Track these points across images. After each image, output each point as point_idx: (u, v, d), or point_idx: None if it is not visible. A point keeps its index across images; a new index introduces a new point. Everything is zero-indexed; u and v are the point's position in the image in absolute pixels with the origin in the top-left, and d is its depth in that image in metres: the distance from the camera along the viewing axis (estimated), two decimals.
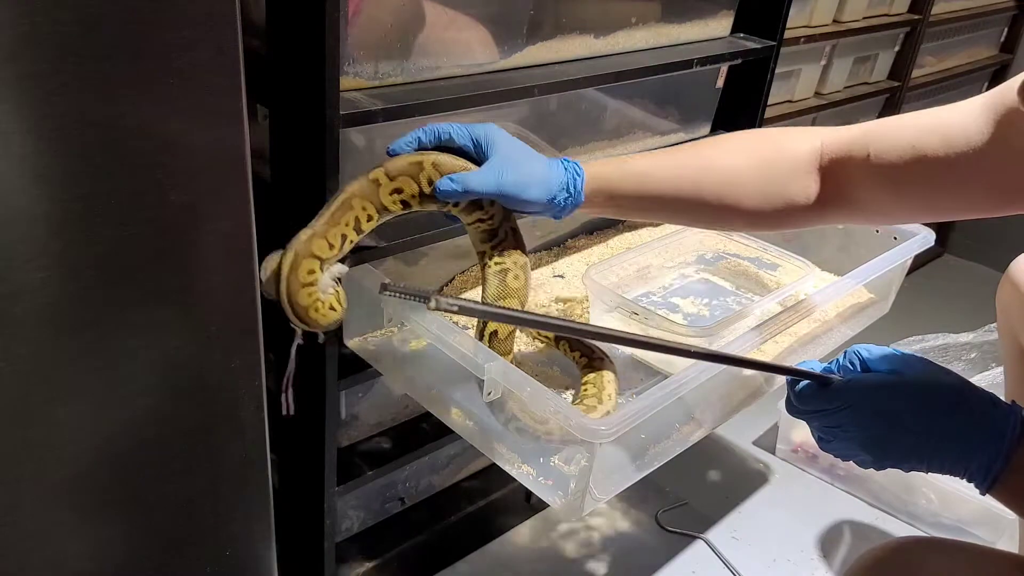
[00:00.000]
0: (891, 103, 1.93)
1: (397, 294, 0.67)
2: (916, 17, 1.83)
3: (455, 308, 0.67)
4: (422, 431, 1.11)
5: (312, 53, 0.79)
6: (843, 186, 0.84)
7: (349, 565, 1.13)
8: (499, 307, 0.74)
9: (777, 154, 0.86)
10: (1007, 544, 1.40)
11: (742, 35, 1.30)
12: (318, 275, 0.78)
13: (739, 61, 1.26)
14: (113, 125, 0.63)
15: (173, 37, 0.63)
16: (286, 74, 0.85)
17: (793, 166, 0.85)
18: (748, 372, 0.98)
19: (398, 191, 0.81)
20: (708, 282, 1.24)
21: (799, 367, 0.71)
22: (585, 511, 0.82)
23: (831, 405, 0.69)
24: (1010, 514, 1.35)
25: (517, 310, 0.79)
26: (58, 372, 0.67)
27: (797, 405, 0.71)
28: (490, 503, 1.26)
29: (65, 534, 0.74)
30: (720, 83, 1.34)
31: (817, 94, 1.73)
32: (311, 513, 1.04)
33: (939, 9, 1.90)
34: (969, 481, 0.67)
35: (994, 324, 1.63)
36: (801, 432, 1.55)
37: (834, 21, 1.64)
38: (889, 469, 0.68)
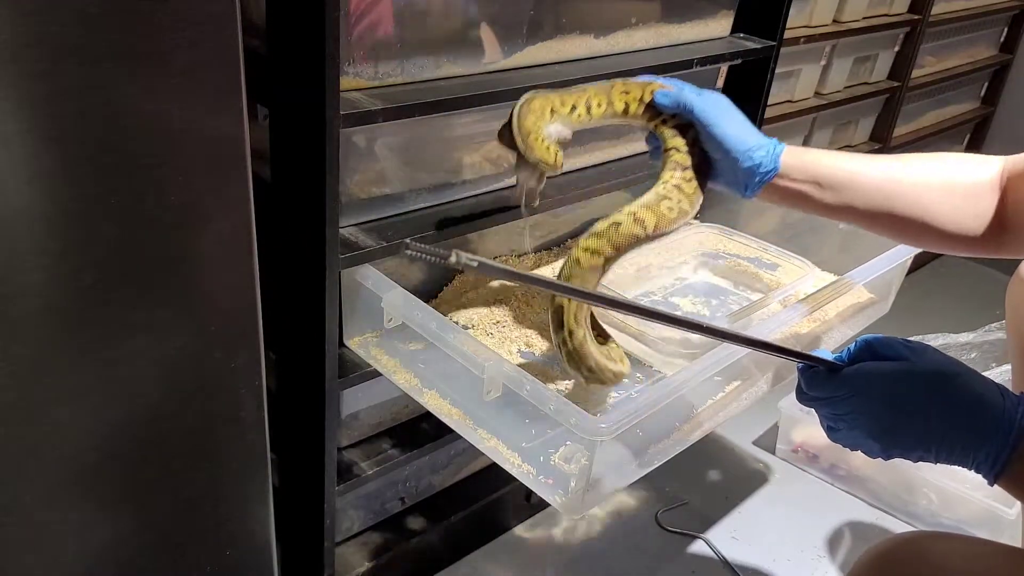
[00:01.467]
0: (891, 103, 1.93)
1: (419, 253, 0.68)
2: (916, 17, 1.84)
3: (475, 264, 0.68)
4: (422, 431, 1.11)
5: (312, 53, 0.79)
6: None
7: (349, 565, 1.13)
8: (520, 271, 0.73)
9: (962, 173, 0.86)
10: (1006, 543, 1.40)
11: (742, 35, 1.30)
12: (547, 119, 0.88)
13: (739, 61, 1.26)
14: (113, 125, 0.63)
15: (173, 37, 0.63)
16: (286, 74, 0.85)
17: (976, 185, 0.85)
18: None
19: (626, 92, 0.92)
20: (708, 282, 1.24)
21: (810, 352, 0.72)
22: (585, 510, 0.83)
23: (840, 392, 0.69)
24: (1011, 514, 1.35)
25: (538, 276, 0.78)
26: (58, 372, 0.67)
27: (806, 391, 0.72)
28: (490, 503, 1.26)
29: (65, 534, 0.74)
30: (720, 83, 1.34)
31: (817, 94, 1.73)
32: (311, 513, 1.04)
33: (939, 9, 1.90)
34: (976, 471, 0.67)
35: (994, 324, 1.64)
36: (801, 432, 1.55)
37: (834, 21, 1.64)
38: (895, 462, 0.68)
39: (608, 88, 0.91)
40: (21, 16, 0.56)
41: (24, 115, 0.58)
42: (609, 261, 0.87)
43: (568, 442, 0.82)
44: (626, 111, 0.92)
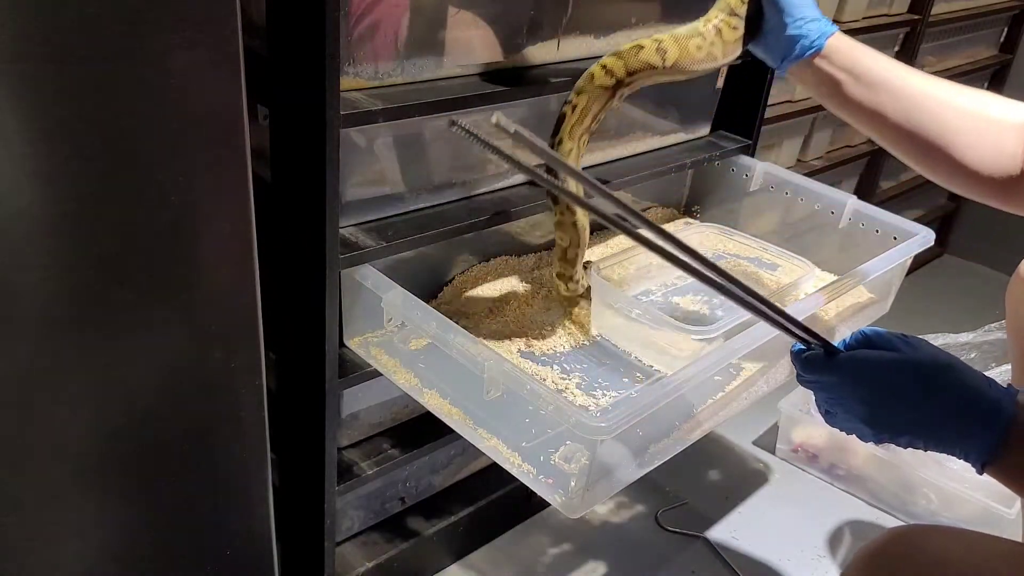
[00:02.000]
0: None
1: (463, 130, 0.69)
2: (916, 17, 1.84)
3: (512, 130, 0.69)
4: (422, 431, 1.11)
5: (312, 53, 0.79)
6: None
7: (349, 565, 1.13)
8: (550, 151, 0.74)
9: (1000, 110, 0.87)
10: None
11: None
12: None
13: (739, 61, 1.26)
14: (113, 125, 0.63)
15: (173, 37, 0.63)
16: (286, 74, 0.85)
17: (1010, 127, 0.85)
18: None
19: None
20: None
21: (813, 330, 0.73)
22: (585, 509, 0.83)
23: (833, 377, 0.70)
24: (1010, 514, 1.35)
25: (567, 164, 0.78)
26: (58, 372, 0.67)
27: (803, 373, 0.74)
28: (490, 503, 1.26)
29: (65, 534, 0.74)
30: (720, 83, 1.34)
31: None
32: (311, 513, 1.04)
33: (939, 9, 1.90)
34: (965, 459, 0.68)
35: (994, 324, 1.64)
36: (801, 432, 1.55)
37: (834, 21, 1.64)
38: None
39: None
40: (21, 16, 0.56)
41: (24, 115, 0.58)
42: (621, 85, 0.86)
43: (568, 442, 0.82)
44: None
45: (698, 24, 0.87)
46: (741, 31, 0.87)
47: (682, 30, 0.87)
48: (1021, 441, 0.66)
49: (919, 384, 0.68)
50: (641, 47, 0.85)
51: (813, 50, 0.88)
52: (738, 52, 0.88)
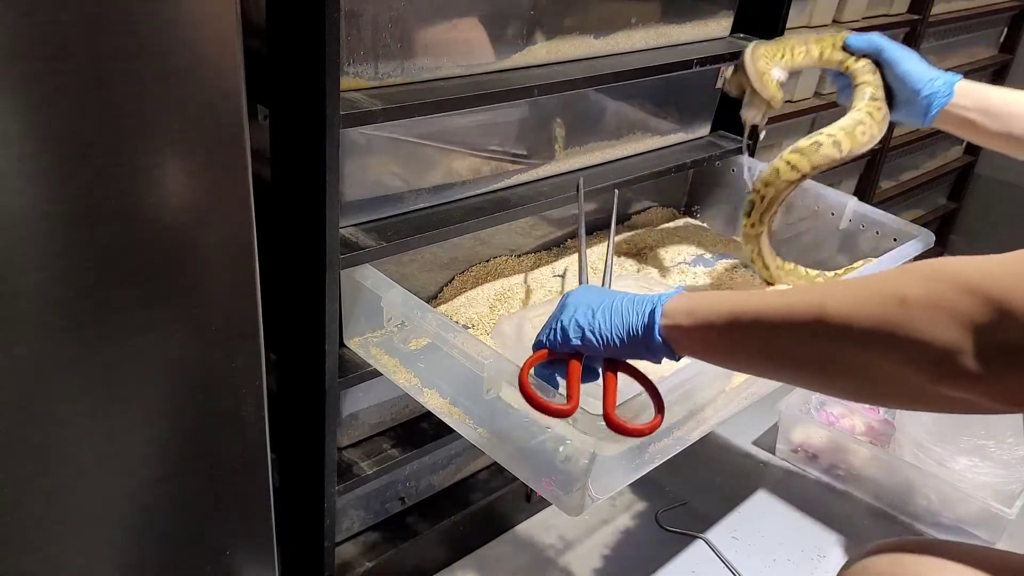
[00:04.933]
0: None
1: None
2: (916, 17, 1.84)
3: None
4: (422, 431, 1.11)
5: (312, 53, 0.79)
6: None
7: (349, 565, 1.13)
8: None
9: None
10: (1007, 544, 1.41)
11: (742, 35, 1.30)
12: (773, 63, 1.07)
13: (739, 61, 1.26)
14: (113, 125, 0.63)
15: (173, 38, 0.63)
16: (286, 74, 0.85)
17: None
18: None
19: (821, 40, 1.09)
20: (707, 283, 1.24)
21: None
22: (585, 510, 0.83)
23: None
24: (1010, 514, 1.35)
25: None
26: (58, 372, 0.67)
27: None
28: (490, 503, 1.26)
29: (65, 534, 0.74)
30: (720, 83, 1.34)
31: (817, 94, 1.73)
32: (311, 513, 1.04)
33: (939, 9, 1.90)
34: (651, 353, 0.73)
35: None
36: (801, 432, 1.55)
37: (834, 21, 1.64)
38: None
39: (807, 39, 1.10)
40: (21, 16, 0.56)
41: (24, 115, 0.58)
42: (804, 177, 1.03)
43: (568, 441, 0.82)
44: (821, 55, 1.09)
45: (854, 114, 1.02)
46: (886, 109, 1.04)
47: (845, 122, 1.02)
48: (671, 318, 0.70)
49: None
50: (819, 143, 1.01)
51: (947, 99, 1.02)
52: (887, 123, 1.05)
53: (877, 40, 1.05)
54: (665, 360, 0.74)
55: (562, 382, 0.77)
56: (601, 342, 0.74)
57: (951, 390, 0.54)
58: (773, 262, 1.12)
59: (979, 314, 0.52)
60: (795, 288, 0.63)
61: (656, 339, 0.71)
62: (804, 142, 1.02)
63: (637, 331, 0.72)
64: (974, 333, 0.52)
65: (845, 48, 1.07)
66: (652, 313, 0.71)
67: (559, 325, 0.76)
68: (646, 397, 0.76)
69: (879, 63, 1.05)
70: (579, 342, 0.74)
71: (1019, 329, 0.51)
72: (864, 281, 0.59)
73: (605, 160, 1.21)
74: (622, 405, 0.74)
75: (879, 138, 1.04)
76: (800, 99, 1.67)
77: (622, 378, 0.77)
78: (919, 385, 0.56)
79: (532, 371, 0.76)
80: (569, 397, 0.74)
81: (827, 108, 1.71)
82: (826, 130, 1.03)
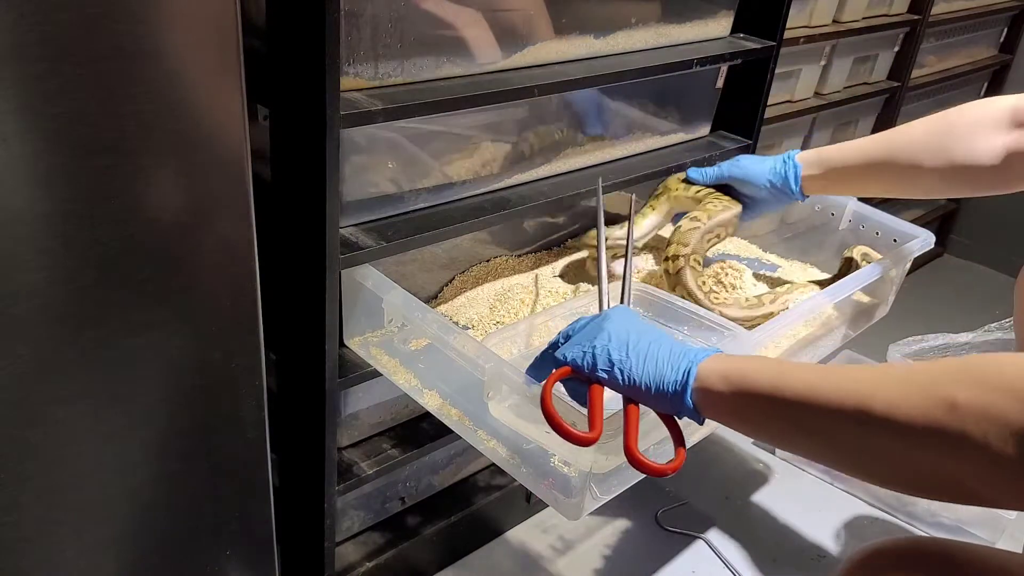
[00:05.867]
0: (891, 103, 1.93)
1: None
2: (916, 17, 1.83)
3: None
4: (422, 431, 1.11)
5: (312, 53, 0.79)
6: None
7: (349, 565, 1.13)
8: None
9: (959, 114, 0.95)
10: (1007, 544, 1.40)
11: (742, 35, 1.30)
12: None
13: (739, 61, 1.26)
14: (113, 125, 0.63)
15: (173, 37, 0.63)
16: (286, 74, 0.85)
17: (975, 120, 0.93)
18: None
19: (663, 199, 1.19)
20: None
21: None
22: (585, 511, 0.82)
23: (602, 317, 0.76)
24: (1010, 514, 1.35)
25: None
26: (58, 372, 0.67)
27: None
28: (490, 503, 1.26)
29: (65, 534, 0.74)
30: (720, 83, 1.34)
31: (817, 94, 1.73)
32: (311, 513, 1.04)
33: (939, 9, 1.90)
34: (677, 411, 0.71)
35: (994, 324, 1.64)
36: None
37: (834, 21, 1.64)
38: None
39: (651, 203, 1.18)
40: (21, 16, 0.56)
41: (24, 115, 0.58)
42: (694, 252, 1.06)
43: (554, 458, 0.82)
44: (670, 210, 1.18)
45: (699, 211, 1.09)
46: (733, 209, 1.11)
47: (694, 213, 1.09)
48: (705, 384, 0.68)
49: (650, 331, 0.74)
50: (679, 227, 1.08)
51: (797, 172, 1.07)
52: (737, 224, 1.12)
53: (713, 170, 1.13)
54: None
55: (573, 403, 0.76)
56: (627, 383, 0.71)
57: (998, 493, 0.53)
58: (703, 295, 1.07)
59: None
60: (838, 370, 0.60)
61: (687, 403, 0.69)
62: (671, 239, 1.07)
63: (668, 388, 0.69)
64: None
65: (688, 181, 1.15)
66: (687, 373, 0.69)
67: (592, 350, 0.73)
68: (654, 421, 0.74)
69: (724, 185, 1.13)
70: (605, 375, 0.72)
71: None
72: (911, 375, 0.57)
73: (605, 160, 1.21)
74: (608, 418, 0.73)
75: (734, 211, 1.10)
76: (800, 99, 1.67)
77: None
78: (961, 482, 0.54)
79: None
80: (592, 425, 0.71)
81: (827, 108, 1.71)
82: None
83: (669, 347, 0.71)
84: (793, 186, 1.07)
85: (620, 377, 0.71)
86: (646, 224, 1.17)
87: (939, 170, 0.96)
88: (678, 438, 0.73)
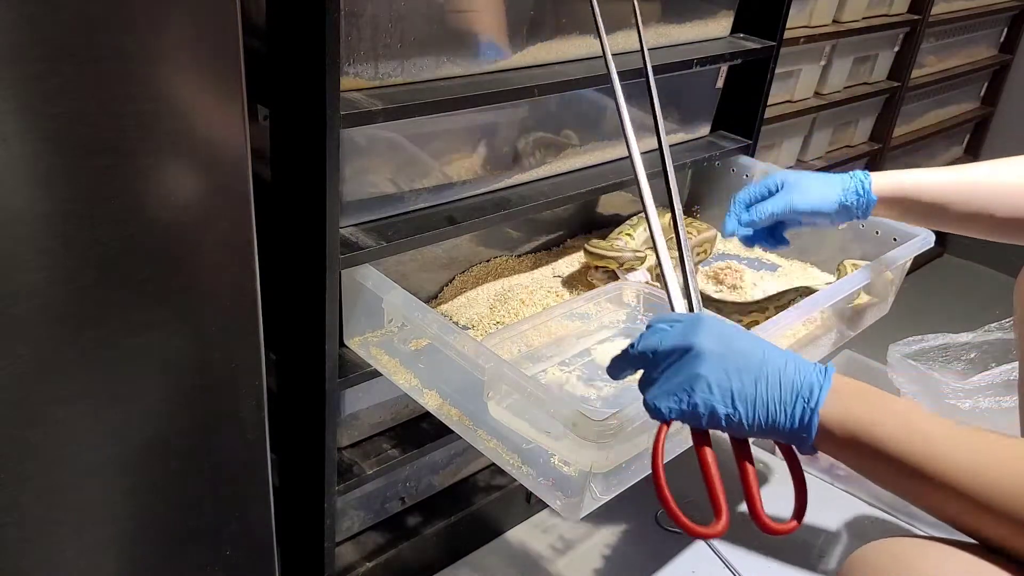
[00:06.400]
0: (891, 103, 1.93)
1: None
2: (916, 17, 1.84)
3: None
4: (422, 431, 1.11)
5: (312, 53, 0.79)
6: None
7: (349, 565, 1.13)
8: None
9: None
10: None
11: (742, 35, 1.30)
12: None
13: (739, 61, 1.26)
14: (113, 125, 0.63)
15: (173, 37, 0.63)
16: (286, 74, 0.85)
17: None
18: None
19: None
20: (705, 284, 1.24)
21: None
22: (585, 512, 0.82)
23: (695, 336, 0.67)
24: None
25: None
26: (58, 372, 0.67)
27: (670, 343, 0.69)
28: (490, 503, 1.26)
29: (65, 534, 0.74)
30: (720, 83, 1.34)
31: (817, 94, 1.73)
32: (311, 513, 1.04)
33: (939, 9, 1.90)
34: (794, 440, 0.68)
35: (994, 324, 1.64)
36: None
37: (834, 21, 1.64)
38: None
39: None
40: (21, 16, 0.56)
41: (24, 115, 0.58)
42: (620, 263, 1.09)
43: (553, 458, 0.82)
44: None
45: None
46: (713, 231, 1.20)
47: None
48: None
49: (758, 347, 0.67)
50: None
51: (870, 202, 0.95)
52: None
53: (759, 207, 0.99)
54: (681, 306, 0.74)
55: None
56: (738, 433, 0.69)
57: None
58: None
59: None
60: (965, 444, 0.61)
61: (808, 447, 0.67)
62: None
63: (782, 431, 0.67)
64: None
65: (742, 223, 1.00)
66: (805, 420, 0.66)
67: (693, 407, 0.66)
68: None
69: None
70: (710, 426, 0.68)
71: None
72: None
73: (605, 160, 1.21)
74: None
75: (715, 232, 1.16)
76: (800, 99, 1.67)
77: None
78: None
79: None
80: (716, 511, 0.67)
81: (827, 108, 1.72)
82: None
83: (779, 383, 0.66)
84: (863, 210, 0.96)
85: (730, 430, 0.68)
86: (620, 245, 1.16)
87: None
88: (801, 499, 0.71)
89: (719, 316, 0.73)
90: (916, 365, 1.47)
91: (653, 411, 0.68)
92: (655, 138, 1.25)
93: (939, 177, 0.94)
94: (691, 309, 0.79)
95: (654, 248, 0.82)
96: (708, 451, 0.68)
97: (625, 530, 1.36)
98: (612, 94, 0.92)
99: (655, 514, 1.39)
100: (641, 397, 0.70)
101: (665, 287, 0.79)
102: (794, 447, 0.69)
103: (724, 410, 0.66)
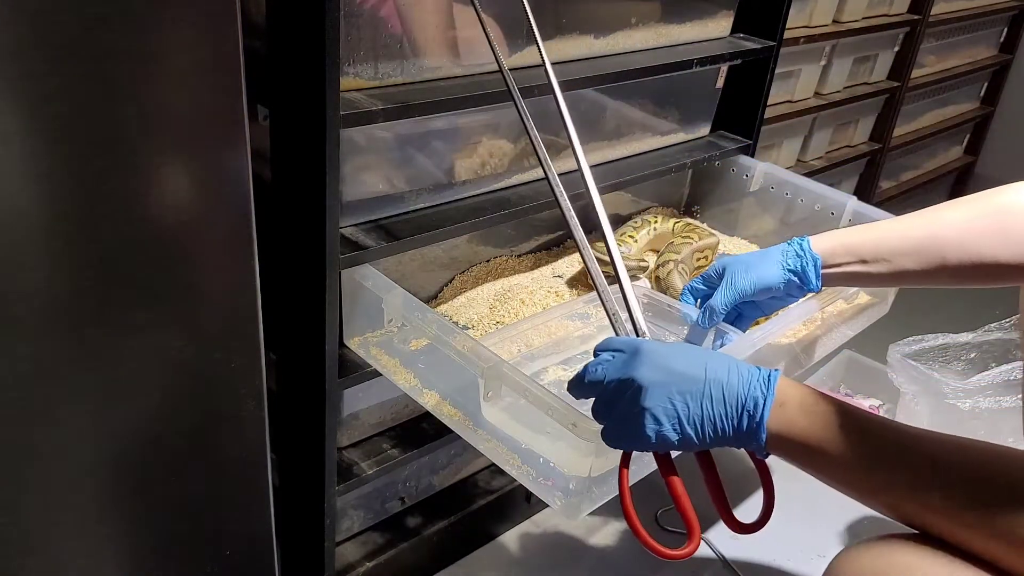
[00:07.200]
0: (891, 103, 1.93)
1: None
2: (916, 17, 1.84)
3: None
4: (422, 431, 1.11)
5: (312, 53, 0.79)
6: None
7: (349, 565, 1.13)
8: None
9: (1013, 205, 0.84)
10: None
11: (742, 35, 1.30)
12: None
13: (739, 61, 1.26)
14: (113, 125, 0.63)
15: (173, 37, 0.63)
16: (286, 74, 0.85)
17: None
18: None
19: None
20: None
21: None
22: (585, 512, 0.82)
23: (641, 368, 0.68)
24: None
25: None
26: (58, 372, 0.67)
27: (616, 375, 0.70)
28: (490, 503, 1.26)
29: (65, 534, 0.74)
30: (720, 83, 1.34)
31: (817, 94, 1.73)
32: (311, 513, 1.04)
33: (939, 9, 1.90)
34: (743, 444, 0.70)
35: (994, 324, 1.64)
36: None
37: (834, 21, 1.64)
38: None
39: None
40: (21, 16, 0.56)
41: (24, 115, 0.58)
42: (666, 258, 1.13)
43: (552, 463, 0.82)
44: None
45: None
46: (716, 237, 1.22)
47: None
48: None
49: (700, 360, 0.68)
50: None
51: (816, 263, 0.91)
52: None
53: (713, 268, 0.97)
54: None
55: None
56: (690, 449, 0.70)
57: None
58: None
59: None
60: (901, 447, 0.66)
61: (762, 453, 0.70)
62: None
63: (734, 442, 0.69)
64: None
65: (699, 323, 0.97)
66: (757, 435, 0.68)
67: (638, 433, 0.68)
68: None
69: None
70: (664, 451, 0.70)
71: None
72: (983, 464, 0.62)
73: (605, 160, 1.21)
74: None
75: (717, 239, 1.20)
76: (800, 99, 1.68)
77: None
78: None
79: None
80: (690, 534, 0.70)
81: (827, 108, 1.72)
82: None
83: (723, 398, 0.67)
84: (810, 273, 0.91)
85: (685, 449, 0.70)
86: (624, 251, 1.19)
87: (1003, 265, 0.84)
88: (768, 497, 0.75)
89: (657, 340, 0.74)
90: (916, 365, 1.47)
91: (608, 443, 0.71)
92: (655, 138, 1.25)
93: (879, 227, 0.91)
94: (636, 332, 0.80)
95: (588, 274, 0.84)
96: (675, 479, 0.71)
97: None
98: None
99: (655, 514, 1.39)
100: None
101: (606, 311, 0.81)
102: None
103: (674, 436, 0.68)
